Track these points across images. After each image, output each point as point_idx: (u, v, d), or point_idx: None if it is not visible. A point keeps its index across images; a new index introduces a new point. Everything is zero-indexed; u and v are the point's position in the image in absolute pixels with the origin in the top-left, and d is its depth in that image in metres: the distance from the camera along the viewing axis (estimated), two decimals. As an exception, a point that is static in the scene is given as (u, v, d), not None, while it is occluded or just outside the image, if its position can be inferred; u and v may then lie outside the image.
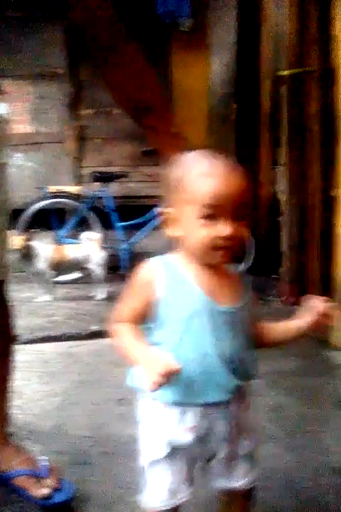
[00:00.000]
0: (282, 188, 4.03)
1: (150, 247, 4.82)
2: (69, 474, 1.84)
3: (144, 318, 1.19)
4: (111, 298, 4.24)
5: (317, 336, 1.25)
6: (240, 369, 1.20)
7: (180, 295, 1.17)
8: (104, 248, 4.30)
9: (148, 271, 1.19)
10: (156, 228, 4.53)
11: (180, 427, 1.20)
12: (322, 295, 3.47)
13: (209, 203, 1.12)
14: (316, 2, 3.58)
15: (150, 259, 1.21)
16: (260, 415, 2.37)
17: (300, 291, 3.88)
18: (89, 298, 4.28)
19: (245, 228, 1.16)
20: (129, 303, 1.20)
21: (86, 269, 4.36)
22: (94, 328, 3.45)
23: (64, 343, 3.35)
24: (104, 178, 4.74)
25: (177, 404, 1.19)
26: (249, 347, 1.24)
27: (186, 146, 1.48)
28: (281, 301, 4.03)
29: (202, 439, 1.22)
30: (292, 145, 3.85)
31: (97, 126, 5.24)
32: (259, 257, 4.64)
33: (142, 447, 1.26)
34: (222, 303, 1.18)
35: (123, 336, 1.18)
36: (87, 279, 4.52)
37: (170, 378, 1.06)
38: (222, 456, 1.26)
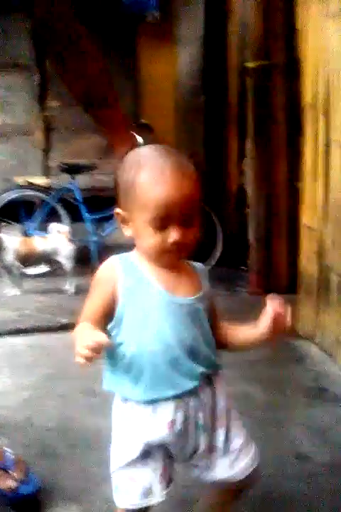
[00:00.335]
0: (249, 180, 4.06)
1: (120, 240, 4.82)
2: (37, 467, 1.84)
3: (106, 317, 1.19)
4: (81, 291, 4.23)
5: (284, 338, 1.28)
6: (202, 356, 1.22)
7: (137, 291, 1.19)
8: (72, 241, 4.27)
9: (106, 269, 1.21)
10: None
11: (155, 424, 1.20)
12: (288, 285, 3.54)
13: (158, 213, 1.13)
14: (280, -6, 3.61)
15: (109, 257, 1.22)
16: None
17: (267, 282, 3.94)
18: (59, 291, 4.25)
19: (195, 231, 1.18)
20: (90, 302, 1.21)
21: (55, 262, 4.33)
22: (64, 321, 3.43)
23: (34, 336, 3.33)
24: (73, 169, 4.71)
25: (149, 401, 1.20)
26: (210, 335, 1.26)
27: (136, 140, 1.51)
28: (248, 292, 4.07)
29: (181, 433, 1.22)
30: (258, 137, 3.89)
31: (65, 117, 5.18)
32: (228, 248, 4.68)
33: (115, 448, 1.26)
34: (179, 295, 1.21)
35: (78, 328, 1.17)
36: (56, 272, 4.49)
37: (98, 351, 1.06)
38: (202, 449, 1.26)
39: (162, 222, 1.14)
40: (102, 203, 4.43)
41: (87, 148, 5.08)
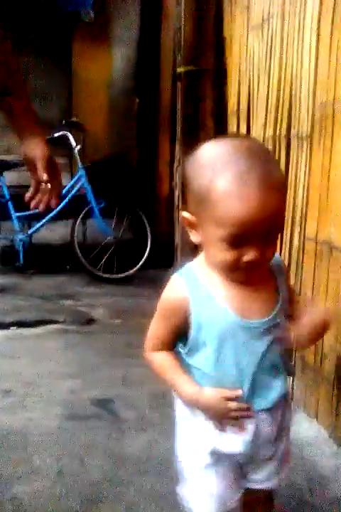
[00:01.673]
0: (177, 183, 4.11)
1: (48, 238, 4.76)
2: None
3: (176, 342, 1.14)
4: (5, 289, 4.15)
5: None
6: (281, 373, 1.15)
7: (207, 315, 1.07)
8: (-2, 238, 4.19)
9: (173, 293, 1.10)
10: (54, 219, 4.48)
11: (228, 434, 1.13)
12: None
13: (236, 231, 0.97)
14: (212, 3, 3.68)
15: (173, 276, 1.12)
16: (143, 403, 2.44)
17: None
18: (-17, 289, 4.15)
19: (274, 248, 1.05)
20: (160, 329, 1.14)
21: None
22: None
23: None
24: (0, 166, 4.61)
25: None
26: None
27: (42, 129, 1.47)
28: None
29: (251, 445, 1.15)
30: (186, 141, 3.94)
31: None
32: (158, 250, 4.72)
33: (183, 455, 1.21)
34: (253, 316, 1.08)
35: (165, 370, 1.15)
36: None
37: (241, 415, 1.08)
38: (263, 458, 1.20)
39: (240, 241, 0.98)
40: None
41: (15, 144, 4.98)
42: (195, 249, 3.52)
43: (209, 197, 0.98)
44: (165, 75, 4.95)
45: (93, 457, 2.03)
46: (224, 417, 1.09)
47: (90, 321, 3.54)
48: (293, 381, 2.04)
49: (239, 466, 1.19)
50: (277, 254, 1.12)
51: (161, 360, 1.15)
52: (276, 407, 1.16)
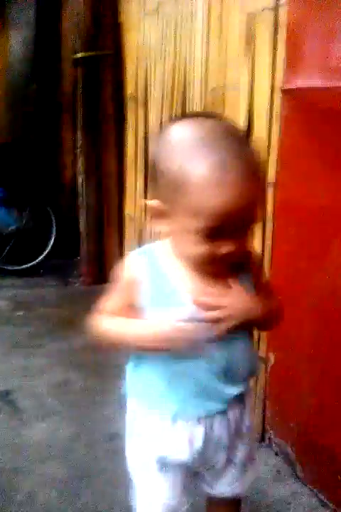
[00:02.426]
0: (79, 170, 4.07)
1: None
2: None
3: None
4: None
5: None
6: (238, 377, 1.06)
7: (165, 302, 0.98)
8: None
9: (132, 269, 1.00)
10: None
11: (174, 441, 1.06)
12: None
13: (214, 223, 0.88)
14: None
15: (135, 252, 1.02)
16: (43, 392, 2.41)
17: (99, 271, 3.98)
18: None
19: (248, 238, 0.95)
20: (113, 299, 1.03)
21: None
22: None
23: None
24: None
25: (173, 417, 1.05)
26: (249, 351, 1.09)
27: None
28: (81, 283, 4.08)
29: (200, 451, 1.07)
30: (87, 128, 3.90)
31: None
32: (62, 239, 4.65)
33: (132, 460, 1.13)
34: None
35: (118, 327, 1.02)
36: None
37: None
38: (219, 465, 1.13)
39: (217, 233, 0.89)
40: None
41: None
42: (96, 238, 3.47)
43: (185, 185, 0.87)
44: (66, 60, 4.85)
45: (-9, 449, 1.99)
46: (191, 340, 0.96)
47: (-10, 313, 3.43)
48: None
49: (192, 474, 1.13)
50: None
51: (111, 321, 1.02)
52: (231, 410, 1.08)
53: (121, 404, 2.25)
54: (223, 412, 1.07)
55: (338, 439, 1.61)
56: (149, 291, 0.99)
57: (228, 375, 1.03)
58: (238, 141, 0.89)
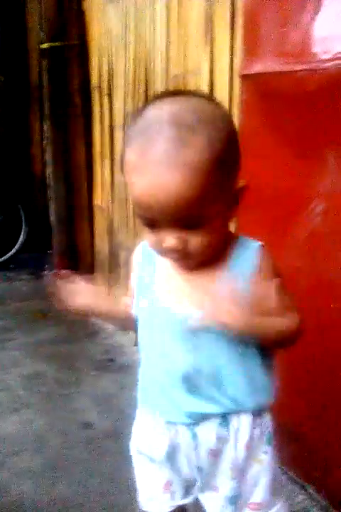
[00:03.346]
0: (48, 161, 4.04)
1: None
2: None
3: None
4: None
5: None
6: (204, 389, 0.94)
7: (142, 289, 0.98)
8: None
9: (133, 256, 1.04)
10: None
11: (152, 438, 1.02)
12: (92, 267, 3.56)
13: (144, 213, 0.84)
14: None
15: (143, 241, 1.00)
16: (16, 385, 2.41)
17: (71, 263, 3.97)
18: None
19: (204, 235, 0.85)
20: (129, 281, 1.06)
21: None
22: None
23: None
24: None
25: (149, 413, 1.03)
26: (232, 366, 0.93)
27: None
28: (53, 276, 4.05)
29: (170, 457, 1.01)
30: (55, 118, 3.87)
31: None
32: (33, 232, 4.61)
33: (132, 447, 1.10)
34: (181, 307, 0.90)
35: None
36: None
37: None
38: (200, 485, 1.02)
39: (152, 223, 0.84)
40: None
41: None
42: (67, 229, 3.47)
43: (123, 167, 0.85)
44: (32, 51, 4.80)
45: None
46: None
47: None
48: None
49: (185, 481, 1.04)
50: (258, 245, 0.93)
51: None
52: (201, 429, 0.97)
53: (92, 395, 2.31)
54: (190, 427, 0.97)
55: (305, 418, 1.65)
56: (136, 278, 1.00)
57: (189, 385, 0.93)
58: (186, 128, 0.78)
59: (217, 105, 0.88)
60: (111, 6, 2.75)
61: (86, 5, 3.18)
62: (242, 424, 0.96)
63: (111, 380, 2.44)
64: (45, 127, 4.01)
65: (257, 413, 0.97)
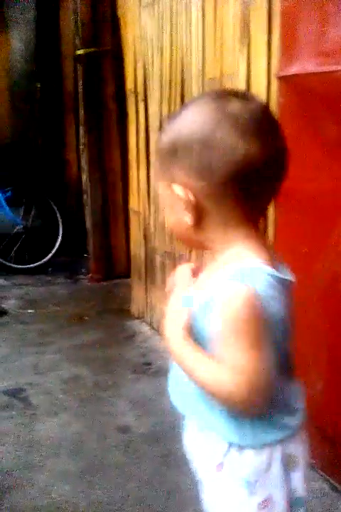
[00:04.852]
0: (83, 167, 4.08)
1: None
2: None
3: None
4: None
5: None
6: (177, 393, 0.94)
7: None
8: None
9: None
10: None
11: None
12: (128, 271, 3.56)
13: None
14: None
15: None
16: (55, 388, 2.44)
17: (106, 267, 4.01)
18: None
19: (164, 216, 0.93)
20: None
21: None
22: None
23: None
24: None
25: None
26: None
27: None
28: (88, 279, 4.09)
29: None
30: (90, 124, 3.91)
31: None
32: (69, 236, 4.67)
33: None
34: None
35: None
36: None
37: None
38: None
39: None
40: None
41: None
42: (102, 234, 3.48)
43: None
44: (67, 58, 4.87)
45: (4, 445, 2.02)
46: None
47: (1, 313, 3.46)
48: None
49: None
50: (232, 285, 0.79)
51: None
52: (187, 428, 0.96)
53: (130, 398, 2.31)
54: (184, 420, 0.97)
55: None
56: None
57: (172, 384, 0.95)
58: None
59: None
60: (146, 11, 2.76)
61: (120, 11, 3.19)
62: (210, 438, 0.89)
63: (149, 383, 2.45)
64: (81, 132, 4.05)
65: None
